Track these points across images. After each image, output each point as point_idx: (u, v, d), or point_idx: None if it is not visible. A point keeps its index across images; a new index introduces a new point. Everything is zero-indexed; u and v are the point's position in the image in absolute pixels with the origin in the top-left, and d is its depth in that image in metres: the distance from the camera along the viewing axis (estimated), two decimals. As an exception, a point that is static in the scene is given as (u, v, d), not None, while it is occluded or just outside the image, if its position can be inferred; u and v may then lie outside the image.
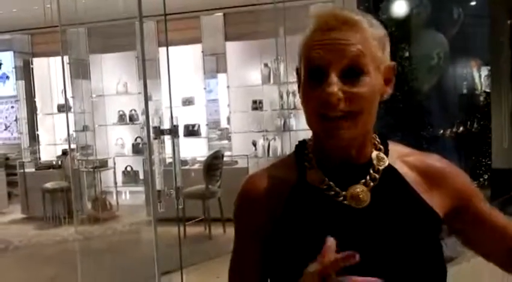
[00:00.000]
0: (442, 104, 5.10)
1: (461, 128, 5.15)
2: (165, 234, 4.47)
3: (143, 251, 4.89)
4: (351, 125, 0.84)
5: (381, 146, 0.94)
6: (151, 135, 4.11)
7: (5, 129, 9.19)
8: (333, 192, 0.89)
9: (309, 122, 0.89)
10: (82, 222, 6.21)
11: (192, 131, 7.41)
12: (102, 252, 5.39)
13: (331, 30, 0.84)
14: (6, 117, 9.20)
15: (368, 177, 0.90)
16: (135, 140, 7.91)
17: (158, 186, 4.15)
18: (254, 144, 7.20)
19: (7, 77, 9.05)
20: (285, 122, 7.04)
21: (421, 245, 0.85)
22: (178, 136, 4.39)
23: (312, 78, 0.86)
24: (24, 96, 8.28)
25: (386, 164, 0.91)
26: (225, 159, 6.26)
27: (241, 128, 7.33)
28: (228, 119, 7.59)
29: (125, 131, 8.05)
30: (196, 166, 6.51)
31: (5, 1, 6.68)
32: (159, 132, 4.15)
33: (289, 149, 7.02)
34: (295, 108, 7.11)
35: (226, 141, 7.70)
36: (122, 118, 7.91)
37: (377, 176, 0.90)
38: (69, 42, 7.02)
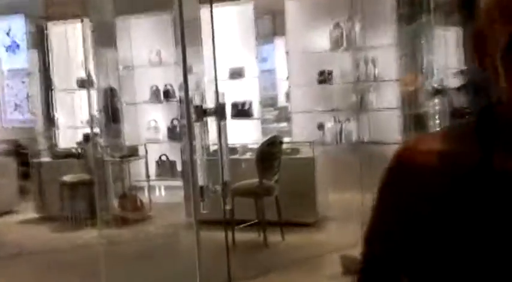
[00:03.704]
0: None
1: None
2: (209, 240, 4.47)
3: (182, 261, 4.88)
4: None
5: None
6: (192, 116, 4.13)
7: (15, 110, 9.45)
8: None
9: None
10: (107, 224, 6.32)
11: (241, 111, 7.40)
12: (131, 261, 5.48)
13: None
14: (16, 94, 9.44)
15: None
16: (172, 122, 7.97)
17: (200, 181, 4.16)
18: (321, 127, 7.13)
19: (17, 46, 9.30)
20: (362, 99, 6.97)
21: None
22: (225, 117, 4.38)
23: None
24: (38, 69, 8.50)
25: None
26: (283, 146, 6.22)
27: (304, 106, 7.32)
28: (287, 95, 7.59)
29: (158, 111, 8.15)
30: (247, 155, 6.52)
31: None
32: (202, 112, 4.16)
33: (367, 133, 6.93)
34: (375, 80, 7.01)
35: (285, 124, 7.72)
36: (155, 95, 8.00)
37: None
38: (92, 2, 7.12)
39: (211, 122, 5.36)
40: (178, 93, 7.68)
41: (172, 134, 7.91)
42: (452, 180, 0.84)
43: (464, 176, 0.84)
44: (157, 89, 8.01)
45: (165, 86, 7.97)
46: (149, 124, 8.12)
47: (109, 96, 7.20)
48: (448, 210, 0.83)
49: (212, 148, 5.99)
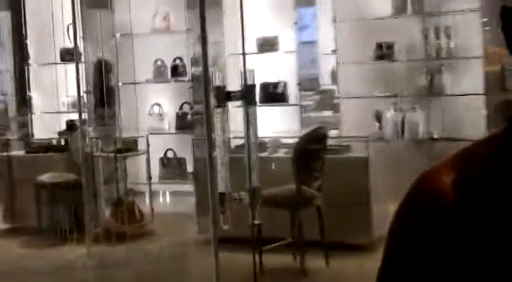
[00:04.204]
0: None
1: None
2: (231, 264, 4.44)
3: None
4: None
5: None
6: (212, 101, 4.09)
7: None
8: None
9: None
10: (97, 240, 6.32)
11: (273, 95, 7.35)
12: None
13: None
14: (-17, 69, 9.52)
15: None
16: (181, 107, 7.95)
17: (221, 187, 4.16)
18: (378, 117, 7.08)
19: (-16, 6, 9.34)
20: (432, 81, 6.89)
21: None
22: (255, 103, 4.37)
23: None
24: (11, 37, 8.50)
25: None
26: (329, 142, 6.12)
27: (356, 89, 7.26)
28: (334, 75, 7.51)
29: (164, 92, 8.12)
30: (280, 153, 6.49)
31: None
32: (224, 95, 4.13)
33: (440, 127, 6.81)
34: (450, 56, 6.91)
35: (329, 113, 7.70)
36: (159, 71, 7.95)
37: None
38: None
39: (233, 108, 5.37)
40: (191, 70, 7.63)
41: (182, 122, 7.88)
42: (490, 206, 0.90)
43: (503, 201, 0.89)
44: (163, 64, 7.95)
45: (174, 60, 7.90)
46: (152, 110, 8.08)
47: (101, 72, 7.15)
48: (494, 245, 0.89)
49: (233, 143, 5.99)
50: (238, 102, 4.43)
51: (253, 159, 4.34)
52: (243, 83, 4.30)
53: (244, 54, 4.43)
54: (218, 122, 4.25)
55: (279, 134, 6.93)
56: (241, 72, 4.30)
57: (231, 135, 5.84)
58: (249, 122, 4.30)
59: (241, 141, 5.47)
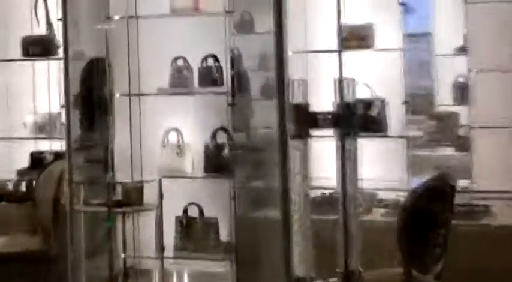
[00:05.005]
0: None
1: None
2: None
3: None
4: None
5: None
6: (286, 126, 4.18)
7: None
8: None
9: None
10: None
11: (364, 120, 7.37)
12: None
13: None
14: None
15: None
16: (214, 135, 8.00)
17: (298, 268, 4.20)
18: None
19: None
20: None
21: None
22: (356, 132, 4.53)
23: None
24: None
25: None
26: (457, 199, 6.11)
27: (497, 114, 7.29)
28: (461, 89, 7.64)
29: (187, 110, 8.23)
30: (376, 215, 6.74)
31: None
32: (309, 120, 4.16)
33: None
34: None
35: (452, 151, 7.79)
36: (180, 77, 8.05)
37: None
38: None
39: (313, 142, 5.40)
40: (230, 74, 7.62)
41: (215, 161, 7.91)
42: None
43: None
44: (187, 65, 8.05)
45: (204, 59, 8.00)
46: (167, 138, 8.15)
47: (89, 76, 7.18)
48: None
49: (313, 190, 6.00)
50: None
51: (352, 225, 4.33)
52: (337, 100, 4.31)
53: (340, 51, 4.44)
54: (296, 161, 4.26)
55: (373, 184, 7.01)
56: (334, 82, 4.29)
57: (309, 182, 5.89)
58: (347, 163, 4.29)
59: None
